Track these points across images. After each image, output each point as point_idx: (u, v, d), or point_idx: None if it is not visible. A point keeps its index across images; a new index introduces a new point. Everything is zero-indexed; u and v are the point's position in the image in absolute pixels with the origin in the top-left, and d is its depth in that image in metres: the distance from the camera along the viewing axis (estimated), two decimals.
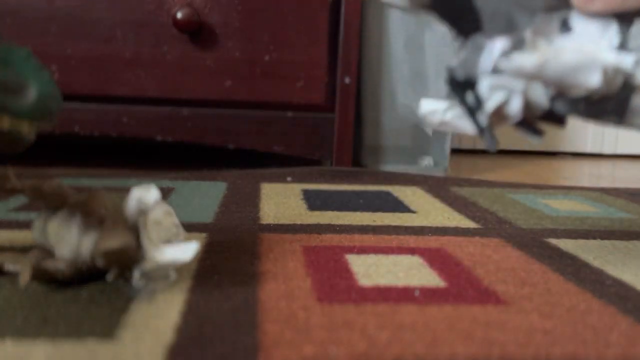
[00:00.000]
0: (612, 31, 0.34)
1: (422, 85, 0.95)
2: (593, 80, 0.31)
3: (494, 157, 1.25)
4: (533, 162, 1.18)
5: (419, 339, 0.28)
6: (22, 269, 0.31)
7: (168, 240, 0.33)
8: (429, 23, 0.96)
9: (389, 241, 0.46)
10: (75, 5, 0.77)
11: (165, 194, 0.61)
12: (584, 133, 1.31)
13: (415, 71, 0.96)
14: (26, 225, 0.47)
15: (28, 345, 0.26)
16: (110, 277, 0.32)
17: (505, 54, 0.32)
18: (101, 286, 0.33)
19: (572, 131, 1.31)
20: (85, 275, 0.33)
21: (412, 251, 0.43)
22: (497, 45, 0.32)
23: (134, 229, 0.32)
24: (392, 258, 0.41)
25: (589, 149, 1.32)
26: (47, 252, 0.35)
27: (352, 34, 0.84)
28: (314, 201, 0.61)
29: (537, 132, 0.37)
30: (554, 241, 0.48)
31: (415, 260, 0.41)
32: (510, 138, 1.32)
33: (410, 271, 0.38)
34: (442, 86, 0.95)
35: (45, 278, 0.32)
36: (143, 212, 0.32)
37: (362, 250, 0.43)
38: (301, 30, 0.81)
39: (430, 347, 0.27)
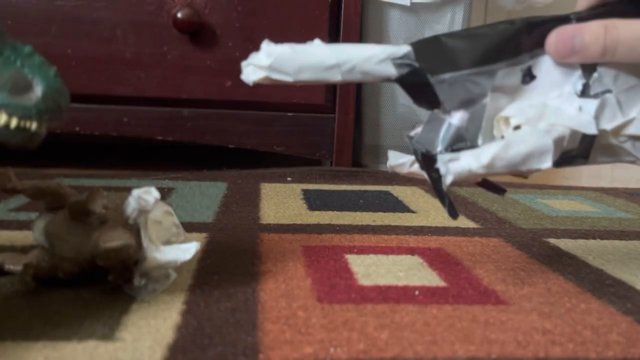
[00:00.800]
0: (576, 77, 0.34)
1: None
2: (545, 164, 0.31)
3: None
4: None
5: (419, 338, 0.28)
6: (23, 268, 0.32)
7: (168, 241, 0.33)
8: (429, 23, 0.96)
9: (389, 241, 0.46)
10: (76, 5, 0.77)
11: (165, 194, 0.61)
12: None
13: None
14: (26, 225, 0.47)
15: (28, 345, 0.26)
16: (111, 277, 0.32)
17: (453, 159, 0.32)
18: (101, 286, 0.33)
19: None
20: (86, 275, 0.33)
21: (412, 251, 0.43)
22: (454, 120, 0.32)
23: (135, 229, 0.32)
24: (392, 258, 0.41)
25: None
26: (48, 252, 0.35)
27: (352, 34, 0.84)
28: (314, 201, 0.61)
29: (500, 190, 0.38)
30: (553, 241, 0.48)
31: (415, 260, 0.41)
32: None
33: (410, 271, 0.38)
34: None
35: (46, 277, 0.32)
36: (143, 212, 0.32)
37: (362, 250, 0.43)
38: (301, 30, 0.81)
39: (430, 347, 0.27)
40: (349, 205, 0.60)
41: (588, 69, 0.34)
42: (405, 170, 0.36)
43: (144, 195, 0.31)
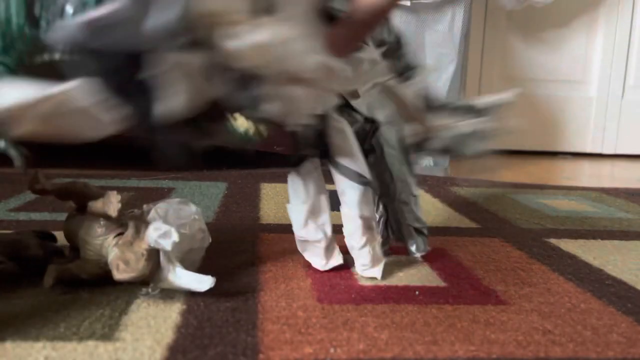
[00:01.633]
0: None
1: None
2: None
3: (494, 158, 1.25)
4: (533, 162, 1.18)
5: (419, 338, 0.28)
6: (47, 270, 0.32)
7: (191, 249, 0.33)
8: (429, 23, 0.96)
9: None
10: None
11: (165, 194, 0.61)
12: (584, 133, 1.31)
13: None
14: (26, 225, 0.47)
15: (28, 345, 0.26)
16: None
17: None
18: (102, 287, 0.33)
19: (572, 131, 1.31)
20: (109, 275, 0.33)
21: None
22: None
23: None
24: (392, 258, 0.41)
25: (589, 149, 1.32)
26: (76, 251, 0.35)
27: None
28: None
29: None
30: (554, 241, 0.48)
31: (415, 260, 0.41)
32: (511, 138, 1.32)
33: (410, 271, 0.38)
34: (442, 86, 0.95)
35: (69, 279, 0.32)
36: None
37: None
38: None
39: (430, 347, 0.27)
40: None
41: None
42: None
43: (162, 241, 0.31)
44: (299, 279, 0.36)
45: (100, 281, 0.33)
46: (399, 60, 0.40)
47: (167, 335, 0.27)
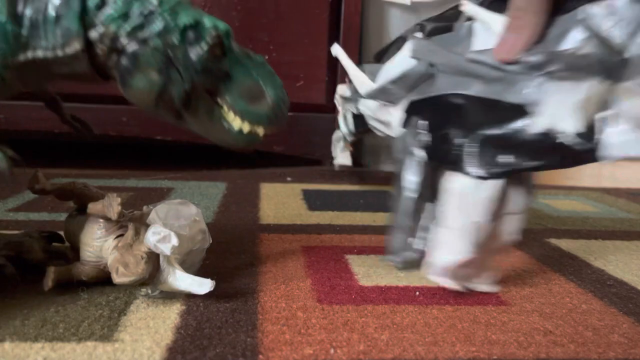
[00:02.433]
0: None
1: None
2: None
3: None
4: None
5: (419, 339, 0.28)
6: (47, 272, 0.31)
7: (191, 251, 0.33)
8: None
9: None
10: None
11: (165, 194, 0.61)
12: None
13: None
14: (25, 225, 0.46)
15: (27, 346, 0.26)
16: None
17: None
18: (100, 287, 0.33)
19: None
20: (109, 277, 0.33)
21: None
22: None
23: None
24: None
25: None
26: (76, 252, 0.35)
27: (352, 34, 0.84)
28: (314, 201, 0.61)
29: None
30: (555, 241, 0.48)
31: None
32: None
33: (410, 271, 0.38)
34: None
35: (69, 280, 0.32)
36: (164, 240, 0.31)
37: (362, 250, 0.43)
38: (301, 30, 0.81)
39: (431, 348, 0.27)
40: (349, 205, 0.59)
41: None
42: None
43: (161, 245, 0.30)
44: (299, 279, 0.36)
45: (99, 282, 0.33)
46: None
47: (167, 336, 0.27)
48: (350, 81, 0.50)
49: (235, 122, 0.33)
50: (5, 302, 0.31)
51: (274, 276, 0.36)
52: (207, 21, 0.31)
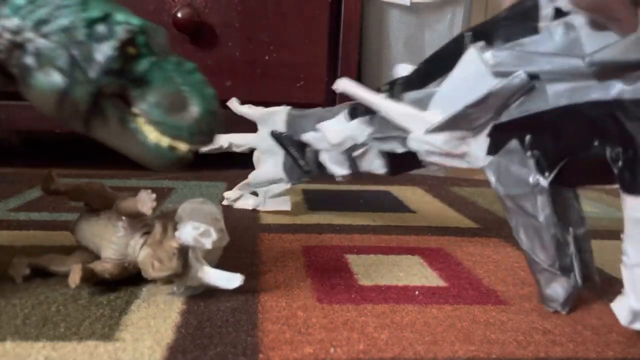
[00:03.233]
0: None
1: None
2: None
3: None
4: None
5: (419, 338, 0.28)
6: (72, 269, 0.32)
7: (211, 249, 0.33)
8: (429, 23, 0.96)
9: (389, 241, 0.46)
10: None
11: (165, 194, 0.61)
12: None
13: None
14: (26, 225, 0.47)
15: (28, 345, 0.26)
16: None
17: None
18: (101, 286, 0.33)
19: None
20: (132, 275, 0.33)
21: (412, 251, 0.43)
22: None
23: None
24: (392, 258, 0.41)
25: None
26: (90, 253, 0.35)
27: (352, 34, 0.84)
28: (314, 201, 0.61)
29: None
30: None
31: (415, 260, 0.41)
32: None
33: (410, 271, 0.38)
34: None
35: (93, 278, 0.32)
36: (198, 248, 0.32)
37: (362, 250, 0.43)
38: (301, 30, 0.81)
39: (430, 347, 0.27)
40: (349, 205, 0.59)
41: None
42: (228, 202, 0.56)
43: (202, 239, 0.31)
44: (299, 279, 0.36)
45: (99, 281, 0.33)
46: None
47: (167, 335, 0.27)
48: (366, 116, 0.43)
49: (152, 135, 0.28)
50: (7, 301, 0.31)
51: (274, 276, 0.36)
52: (120, 16, 0.28)
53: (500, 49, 0.33)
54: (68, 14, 0.27)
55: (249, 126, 0.55)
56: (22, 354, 0.25)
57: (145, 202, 0.32)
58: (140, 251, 0.32)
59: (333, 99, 0.86)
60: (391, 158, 0.43)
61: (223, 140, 0.54)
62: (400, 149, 0.41)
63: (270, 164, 0.53)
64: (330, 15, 0.83)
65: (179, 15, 0.76)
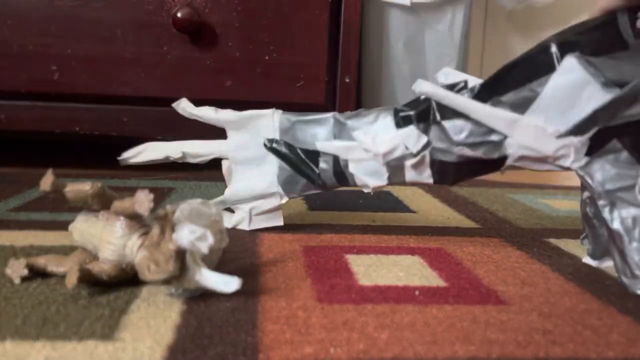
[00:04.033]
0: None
1: None
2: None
3: None
4: None
5: (419, 338, 0.28)
6: (69, 270, 0.31)
7: (210, 250, 0.33)
8: (429, 23, 0.96)
9: (389, 241, 0.46)
10: (75, 5, 0.77)
11: (165, 194, 0.61)
12: None
13: (415, 71, 0.96)
14: (26, 225, 0.47)
15: (28, 345, 0.26)
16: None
17: None
18: (101, 286, 0.33)
19: None
20: (129, 276, 0.33)
21: (412, 251, 0.43)
22: None
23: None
24: (392, 258, 0.41)
25: None
26: (89, 254, 0.35)
27: (352, 34, 0.84)
28: (314, 201, 0.61)
29: None
30: (554, 241, 0.48)
31: (415, 260, 0.41)
32: None
33: (410, 271, 0.38)
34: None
35: (90, 280, 0.32)
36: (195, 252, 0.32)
37: (362, 250, 0.43)
38: (301, 30, 0.81)
39: (430, 347, 0.27)
40: (349, 205, 0.59)
41: None
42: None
43: (198, 243, 0.31)
44: (299, 278, 0.36)
45: (97, 282, 0.33)
46: None
47: (167, 335, 0.27)
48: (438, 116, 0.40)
49: None
50: (7, 301, 0.31)
51: (274, 276, 0.36)
52: None
53: (604, 59, 0.35)
54: None
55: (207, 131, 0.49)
56: (22, 354, 0.25)
57: (143, 202, 0.32)
58: (137, 253, 0.32)
59: (333, 99, 0.86)
60: (442, 167, 0.42)
61: (173, 150, 0.46)
62: (479, 153, 0.40)
63: (254, 176, 0.46)
64: (330, 15, 0.83)
65: (179, 15, 0.76)
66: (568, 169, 0.39)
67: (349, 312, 0.31)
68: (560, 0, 1.19)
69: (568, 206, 0.64)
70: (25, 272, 0.34)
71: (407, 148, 0.42)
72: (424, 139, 0.41)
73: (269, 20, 0.81)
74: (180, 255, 0.31)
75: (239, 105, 0.82)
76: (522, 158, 0.40)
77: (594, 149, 0.37)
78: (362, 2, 0.89)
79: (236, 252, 0.41)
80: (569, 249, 0.46)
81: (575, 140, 0.37)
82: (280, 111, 0.47)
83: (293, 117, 0.46)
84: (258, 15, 0.81)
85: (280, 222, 0.48)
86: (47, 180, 0.35)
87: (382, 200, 0.63)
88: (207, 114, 0.47)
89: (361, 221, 0.52)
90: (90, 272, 0.32)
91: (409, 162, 0.42)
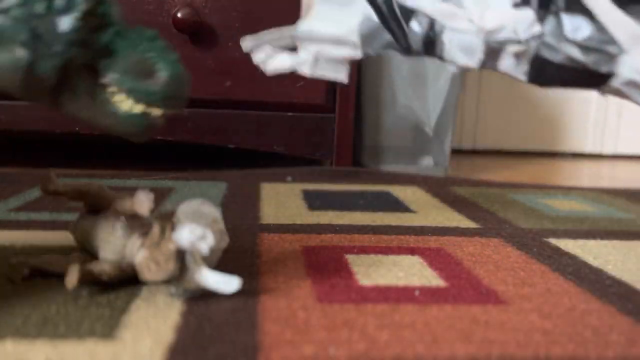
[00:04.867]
0: None
1: (422, 85, 0.95)
2: None
3: (494, 158, 1.25)
4: (533, 162, 1.18)
5: (419, 338, 0.28)
6: (69, 271, 0.31)
7: (210, 249, 0.33)
8: None
9: (389, 241, 0.46)
10: None
11: (165, 194, 0.61)
12: (584, 133, 1.31)
13: (415, 71, 0.96)
14: (26, 225, 0.47)
15: (28, 345, 0.26)
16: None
17: None
18: (101, 286, 0.33)
19: (572, 131, 1.32)
20: (129, 276, 0.33)
21: (412, 251, 0.43)
22: None
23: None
24: (392, 258, 0.41)
25: (589, 149, 1.32)
26: (89, 254, 0.35)
27: None
28: (314, 201, 0.61)
29: None
30: (553, 241, 0.48)
31: (415, 260, 0.41)
32: (510, 138, 1.32)
33: (410, 271, 0.38)
34: (442, 85, 0.95)
35: (90, 280, 0.32)
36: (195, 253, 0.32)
37: (362, 250, 0.43)
38: None
39: (430, 347, 0.27)
40: (349, 205, 0.60)
41: None
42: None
43: (199, 244, 0.30)
44: (299, 278, 0.36)
45: (117, 283, 0.33)
46: None
47: (167, 335, 0.27)
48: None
49: (125, 104, 0.29)
50: (7, 301, 0.31)
51: (274, 276, 0.36)
52: None
53: None
54: None
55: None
56: (22, 354, 0.25)
57: (143, 202, 0.32)
58: (137, 253, 0.32)
59: (333, 99, 0.86)
60: (542, 65, 0.38)
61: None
62: (591, 65, 0.36)
63: (334, 18, 0.41)
64: None
65: (179, 15, 0.76)
66: None
67: (349, 312, 0.31)
68: None
69: (568, 206, 0.64)
70: (27, 272, 0.34)
71: (515, 32, 0.37)
72: (537, 28, 0.37)
73: (269, 20, 0.81)
74: (180, 255, 0.31)
75: (239, 105, 0.82)
76: (629, 84, 0.36)
77: None
78: None
79: (236, 252, 0.41)
80: (569, 249, 0.46)
81: None
82: None
83: None
84: (258, 15, 0.81)
85: (344, 78, 0.43)
86: (47, 181, 0.35)
87: (382, 200, 0.63)
88: None
89: (361, 221, 0.52)
90: (91, 272, 0.32)
91: (511, 48, 0.38)
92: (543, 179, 0.93)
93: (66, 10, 0.27)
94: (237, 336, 0.28)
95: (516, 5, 0.37)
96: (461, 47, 0.39)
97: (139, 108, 0.29)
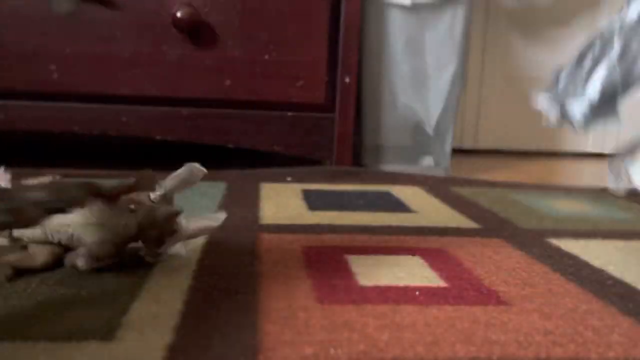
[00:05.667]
0: None
1: (422, 85, 0.94)
2: None
3: (495, 157, 1.25)
4: (533, 162, 1.17)
5: (419, 339, 0.28)
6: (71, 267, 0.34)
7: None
8: (429, 23, 0.96)
9: (389, 241, 0.46)
10: None
11: None
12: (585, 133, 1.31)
13: (415, 71, 0.96)
14: None
15: (28, 345, 0.26)
16: (143, 252, 0.36)
17: None
18: (101, 286, 0.33)
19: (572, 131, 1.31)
20: (125, 256, 0.36)
21: (412, 251, 0.43)
22: None
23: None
24: (392, 258, 0.41)
25: (589, 148, 1.32)
26: (64, 247, 0.36)
27: (352, 34, 0.84)
28: (314, 201, 0.61)
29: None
30: (554, 241, 0.48)
31: (416, 260, 0.41)
32: (511, 138, 1.32)
33: (410, 271, 0.38)
34: (442, 85, 0.95)
35: (96, 266, 0.34)
36: (187, 184, 0.36)
37: (363, 250, 0.43)
38: (301, 30, 0.81)
39: (431, 348, 0.27)
40: (349, 205, 0.59)
41: None
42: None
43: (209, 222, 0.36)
44: (299, 279, 0.36)
45: (99, 281, 0.33)
46: None
47: (167, 335, 0.27)
48: None
49: None
50: (6, 301, 0.31)
51: (274, 276, 0.36)
52: None
53: None
54: None
55: None
56: (22, 354, 0.25)
57: (154, 180, 0.36)
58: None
59: (333, 99, 0.86)
60: None
61: None
62: None
63: None
64: (330, 15, 0.83)
65: (179, 14, 0.76)
66: None
67: (349, 313, 0.31)
68: (561, 0, 1.19)
69: (568, 206, 0.64)
70: (9, 272, 0.34)
71: None
72: None
73: (269, 20, 0.81)
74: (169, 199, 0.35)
75: (238, 105, 0.82)
76: None
77: None
78: (362, 2, 0.89)
79: (236, 252, 0.41)
80: (570, 249, 0.46)
81: None
82: None
83: None
84: (258, 15, 0.81)
85: None
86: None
87: (382, 200, 0.63)
88: None
89: (361, 221, 0.52)
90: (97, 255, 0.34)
91: None
92: (544, 179, 0.93)
93: None
94: (237, 336, 0.27)
95: None
96: None
97: None
